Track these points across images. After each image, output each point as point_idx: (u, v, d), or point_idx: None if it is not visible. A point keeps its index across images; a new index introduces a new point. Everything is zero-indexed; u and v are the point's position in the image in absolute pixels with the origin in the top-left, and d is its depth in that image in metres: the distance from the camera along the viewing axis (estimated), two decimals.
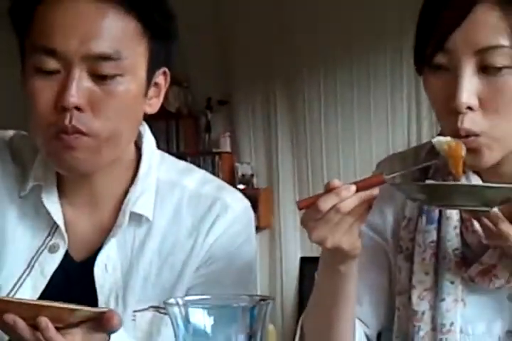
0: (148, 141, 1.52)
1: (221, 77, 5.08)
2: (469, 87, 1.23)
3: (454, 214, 1.37)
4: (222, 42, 5.04)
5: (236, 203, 1.52)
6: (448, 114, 1.25)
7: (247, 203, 1.54)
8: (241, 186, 4.90)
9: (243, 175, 4.99)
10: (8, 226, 1.49)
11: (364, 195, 1.21)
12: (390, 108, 4.74)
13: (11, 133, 1.55)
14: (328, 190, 1.21)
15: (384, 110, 4.75)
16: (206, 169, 5.35)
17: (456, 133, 1.23)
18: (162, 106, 4.96)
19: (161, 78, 1.46)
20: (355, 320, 1.40)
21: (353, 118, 4.81)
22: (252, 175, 4.99)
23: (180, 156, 1.64)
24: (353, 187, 1.20)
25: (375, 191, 1.21)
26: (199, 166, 5.18)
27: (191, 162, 1.71)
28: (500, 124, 1.24)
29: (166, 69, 1.46)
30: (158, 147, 1.56)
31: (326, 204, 1.21)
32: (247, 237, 1.52)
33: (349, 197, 1.20)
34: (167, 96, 4.73)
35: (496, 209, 1.20)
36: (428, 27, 1.29)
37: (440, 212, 1.38)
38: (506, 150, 1.28)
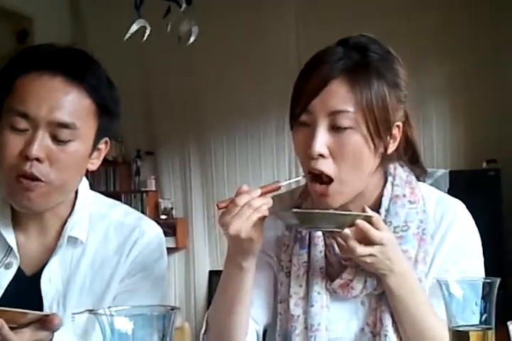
0: (83, 183, 1.51)
1: (148, 134, 5.06)
2: (321, 140, 1.26)
3: (320, 241, 1.38)
4: (148, 108, 5.02)
5: (150, 230, 1.51)
6: (307, 158, 1.28)
7: (159, 229, 1.54)
8: (163, 216, 4.85)
9: (165, 208, 4.94)
10: None
11: (267, 199, 1.25)
12: (275, 151, 4.77)
13: None
14: (240, 192, 1.24)
15: (270, 154, 4.78)
16: (136, 203, 5.23)
17: (311, 172, 1.28)
18: None
19: (103, 145, 1.47)
20: (250, 314, 1.39)
21: (248, 163, 4.83)
22: (172, 208, 4.95)
23: (116, 193, 1.63)
24: (259, 190, 1.24)
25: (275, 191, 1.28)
26: (131, 202, 5.10)
27: (125, 198, 1.69)
28: (346, 170, 1.27)
29: (108, 139, 1.46)
30: (99, 187, 1.56)
31: (241, 200, 1.23)
32: (160, 255, 1.51)
33: (257, 197, 1.23)
34: None
35: (346, 230, 1.21)
36: (298, 95, 1.32)
37: (309, 239, 1.39)
38: (353, 193, 1.31)
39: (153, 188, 5.02)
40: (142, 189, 5.01)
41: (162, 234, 1.53)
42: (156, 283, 1.49)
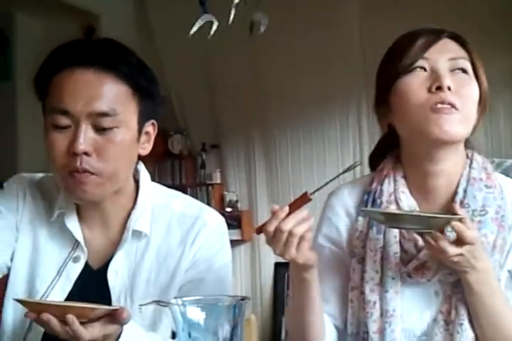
0: (144, 175, 1.54)
1: (213, 127, 5.08)
2: (449, 81, 1.33)
3: None
4: (213, 102, 5.03)
5: (212, 220, 1.53)
6: (432, 96, 1.33)
7: (221, 219, 1.55)
8: (228, 209, 4.88)
9: (230, 201, 4.96)
10: (40, 244, 1.49)
11: (298, 215, 1.24)
12: (339, 145, 4.74)
13: (40, 175, 1.57)
14: (272, 213, 1.25)
15: (335, 147, 4.75)
16: (202, 196, 5.29)
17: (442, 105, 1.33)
18: (168, 150, 5.00)
19: (150, 128, 1.48)
20: (322, 314, 1.40)
21: (312, 156, 4.80)
22: (237, 201, 4.97)
23: (182, 187, 1.66)
24: (286, 208, 1.25)
25: (304, 213, 1.25)
26: (197, 195, 5.16)
27: (191, 191, 1.72)
28: (471, 109, 1.38)
29: (154, 121, 1.48)
30: (166, 181, 1.58)
31: (270, 226, 1.25)
32: (222, 245, 1.53)
33: (285, 218, 1.23)
34: (172, 142, 4.71)
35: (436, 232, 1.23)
36: (402, 52, 1.39)
37: None
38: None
39: (219, 181, 5.04)
40: (207, 182, 5.03)
41: (224, 224, 1.55)
42: (221, 273, 1.51)
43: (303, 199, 1.26)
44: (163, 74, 4.83)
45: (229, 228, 1.56)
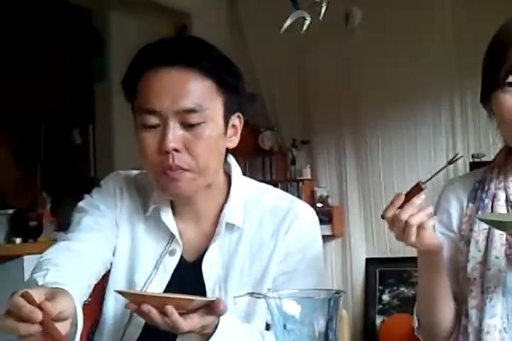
0: (236, 169, 1.56)
1: (303, 123, 5.09)
2: None
3: (503, 209, 1.43)
4: (304, 98, 5.04)
5: (304, 212, 1.54)
6: None
7: (312, 211, 1.57)
8: (319, 204, 4.88)
9: (321, 196, 4.97)
10: (138, 238, 1.53)
11: (414, 203, 1.27)
12: (432, 142, 4.69)
13: (135, 172, 1.61)
14: (390, 202, 1.29)
15: (427, 144, 4.70)
16: (292, 192, 5.34)
17: None
18: (258, 146, 5.06)
19: (236, 121, 1.50)
20: (451, 301, 1.44)
21: (403, 152, 4.76)
22: (328, 196, 4.96)
23: (273, 182, 1.68)
24: (402, 196, 1.28)
25: (420, 201, 1.28)
26: (287, 190, 5.21)
27: (281, 187, 1.73)
28: None
29: (240, 114, 1.49)
30: (257, 177, 1.61)
31: (388, 213, 1.28)
32: (315, 236, 1.55)
33: (401, 205, 1.27)
34: (262, 139, 4.77)
35: None
36: (498, 61, 1.35)
37: (492, 207, 1.44)
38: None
39: (309, 177, 5.05)
40: (298, 178, 5.06)
41: (315, 216, 1.56)
42: (314, 264, 1.52)
43: (416, 189, 1.30)
44: (254, 72, 4.87)
45: (320, 223, 1.57)
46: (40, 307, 1.05)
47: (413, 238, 1.28)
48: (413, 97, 4.61)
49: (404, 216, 1.27)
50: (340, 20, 4.05)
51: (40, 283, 1.25)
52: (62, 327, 1.09)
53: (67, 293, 1.15)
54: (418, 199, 1.28)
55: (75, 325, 1.16)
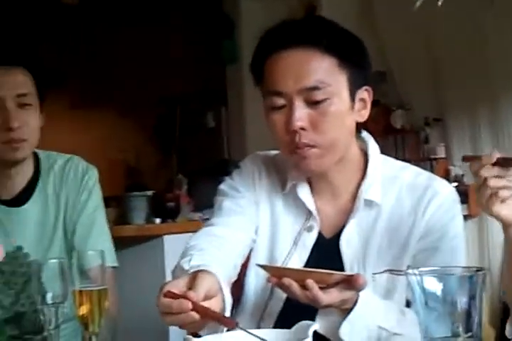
0: (373, 146, 1.56)
1: (436, 101, 4.98)
2: None
3: None
4: (437, 76, 4.93)
5: (443, 189, 1.53)
6: None
7: (451, 188, 1.55)
8: (454, 183, 4.76)
9: (456, 175, 4.85)
10: (277, 216, 1.58)
11: (503, 170, 1.21)
12: None
13: (274, 152, 1.64)
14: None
15: None
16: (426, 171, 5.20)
17: None
18: (390, 125, 4.99)
19: (365, 94, 1.50)
20: None
21: None
22: (463, 175, 4.84)
23: (405, 161, 1.66)
24: (494, 156, 1.22)
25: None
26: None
27: (415, 165, 1.71)
28: None
29: (368, 87, 1.49)
30: (389, 155, 1.60)
31: (473, 168, 1.23)
32: (454, 214, 1.53)
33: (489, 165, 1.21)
34: (394, 118, 4.71)
35: None
36: None
37: None
38: None
39: (443, 155, 4.94)
40: (431, 156, 4.96)
41: (455, 192, 1.54)
42: (455, 242, 1.51)
43: None
44: (385, 50, 4.81)
45: None
46: (185, 297, 1.13)
47: (497, 204, 1.22)
48: None
49: (486, 173, 1.21)
50: None
51: (186, 268, 1.32)
52: (214, 305, 1.17)
53: (208, 274, 1.22)
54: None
55: (223, 301, 1.21)
